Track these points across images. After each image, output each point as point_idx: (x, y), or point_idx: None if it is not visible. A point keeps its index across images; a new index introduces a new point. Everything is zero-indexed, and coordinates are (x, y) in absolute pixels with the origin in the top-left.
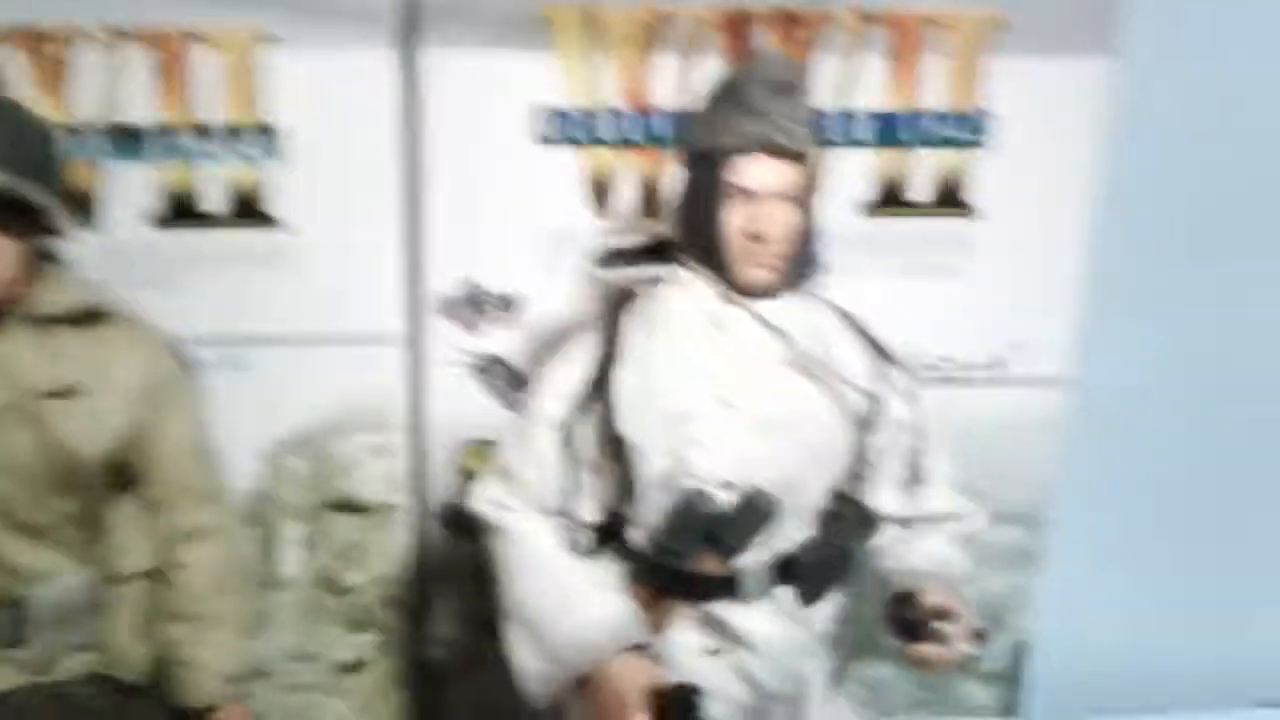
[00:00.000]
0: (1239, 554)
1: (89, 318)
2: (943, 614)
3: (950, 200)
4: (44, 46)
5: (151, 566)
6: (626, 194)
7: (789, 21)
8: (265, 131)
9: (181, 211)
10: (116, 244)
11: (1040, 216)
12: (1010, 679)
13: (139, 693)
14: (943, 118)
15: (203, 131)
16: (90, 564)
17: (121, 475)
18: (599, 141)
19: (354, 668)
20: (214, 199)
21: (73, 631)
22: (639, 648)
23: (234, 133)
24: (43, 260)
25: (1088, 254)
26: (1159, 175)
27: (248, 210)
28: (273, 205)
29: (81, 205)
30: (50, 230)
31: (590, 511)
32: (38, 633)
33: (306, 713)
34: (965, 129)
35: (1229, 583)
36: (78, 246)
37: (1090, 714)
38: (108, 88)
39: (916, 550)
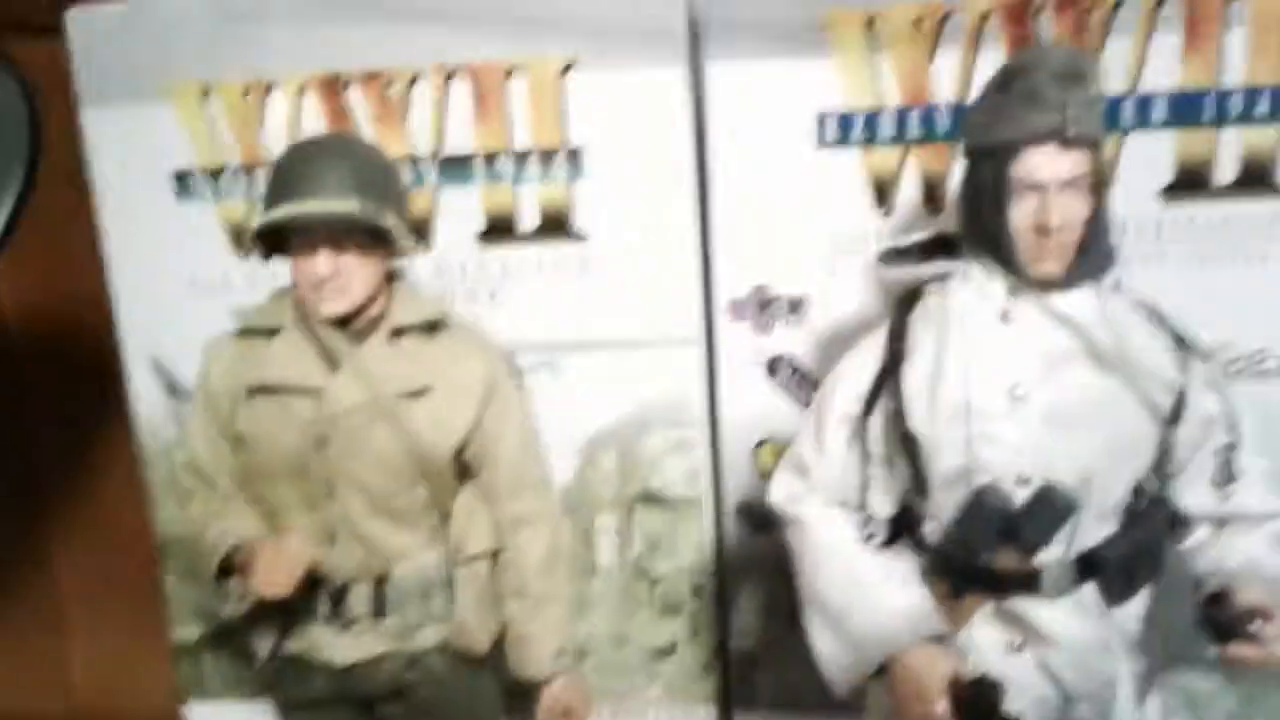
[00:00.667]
0: None
1: (434, 327)
2: (1259, 614)
3: (1258, 181)
4: (386, 89)
5: (492, 548)
6: (910, 192)
7: (1073, 6)
8: (572, 153)
9: (501, 230)
10: (448, 261)
11: None
12: None
13: (483, 664)
14: (1247, 93)
15: (518, 156)
16: (441, 545)
17: (464, 467)
18: (881, 142)
19: (666, 652)
20: (528, 217)
21: (428, 606)
22: (939, 639)
23: (545, 156)
24: (392, 278)
25: None
26: None
27: (557, 226)
28: (578, 220)
29: (419, 228)
30: (398, 252)
31: (884, 506)
32: (399, 606)
33: (625, 691)
34: (1273, 104)
35: None
36: (417, 265)
37: None
38: (438, 122)
39: (1231, 549)
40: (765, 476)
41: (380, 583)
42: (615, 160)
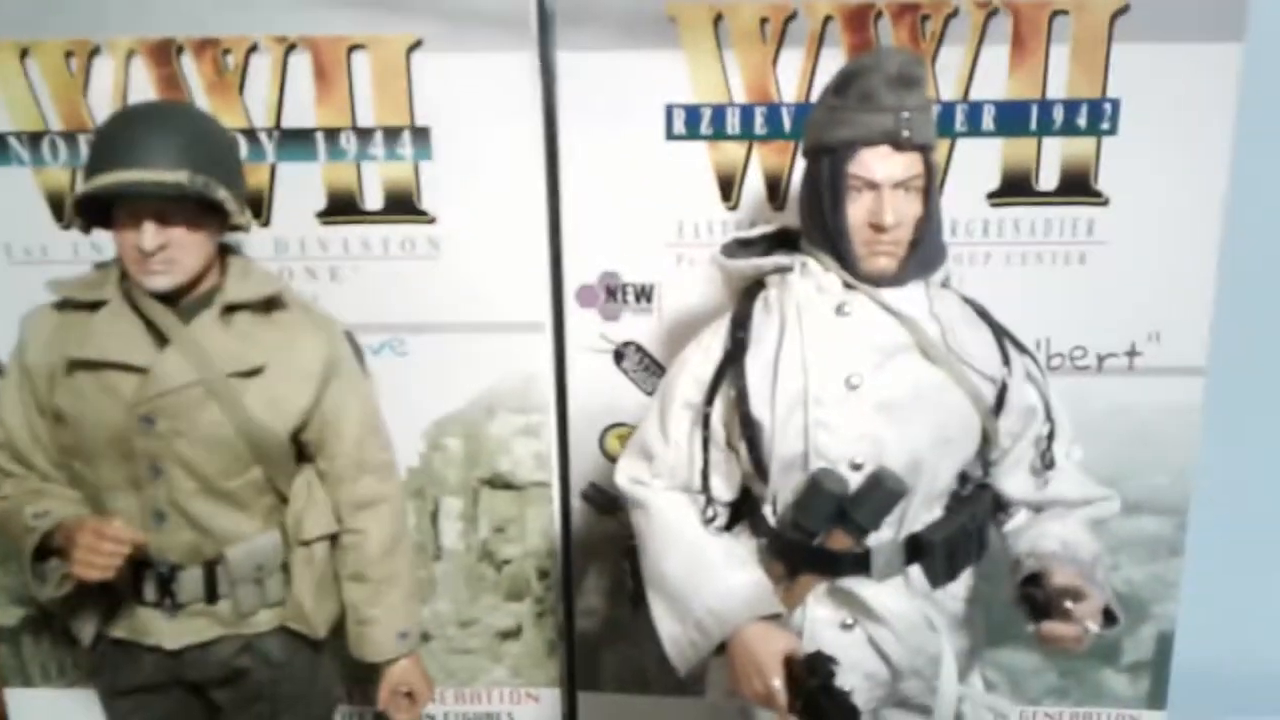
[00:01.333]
0: None
1: (271, 305)
2: (1072, 593)
3: (1078, 188)
4: (222, 57)
5: (331, 531)
6: (754, 186)
7: (910, 14)
8: (418, 132)
9: (343, 207)
10: (286, 238)
11: (1171, 206)
12: (1154, 671)
13: (320, 647)
14: (1068, 105)
15: (361, 133)
16: (277, 528)
17: (302, 448)
18: (727, 136)
19: (512, 635)
20: (372, 196)
21: (262, 590)
22: (775, 618)
23: (390, 134)
24: (226, 253)
25: (1220, 242)
26: None
27: (403, 206)
28: (425, 201)
29: (255, 203)
30: (233, 227)
31: (725, 490)
32: (233, 589)
33: (469, 674)
34: (1092, 116)
35: None
36: (255, 241)
37: (1233, 713)
38: (277, 94)
39: (1047, 532)
40: (612, 461)
41: (212, 566)
42: (464, 142)
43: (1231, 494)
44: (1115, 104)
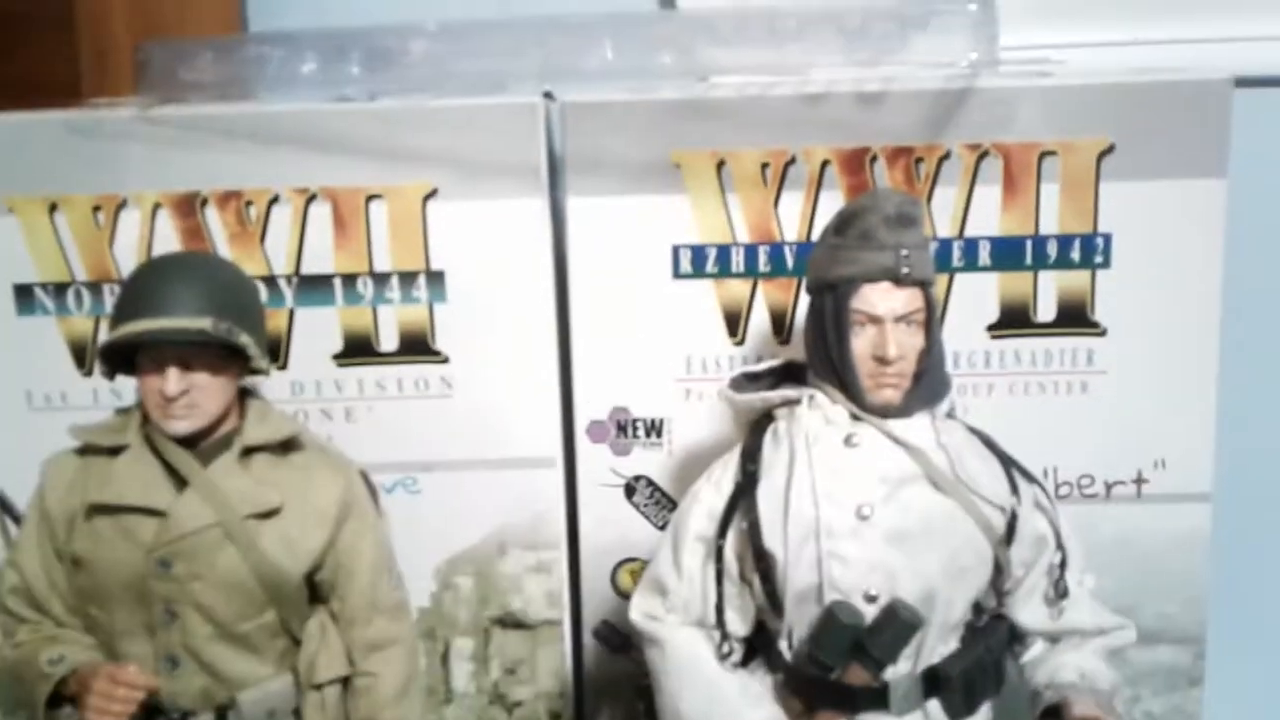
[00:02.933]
0: None
1: (288, 446)
2: None
3: (1076, 319)
4: (245, 208)
5: (343, 674)
6: (760, 322)
7: (904, 157)
8: (433, 276)
9: (359, 349)
10: (303, 380)
11: (1167, 334)
12: None
13: None
14: (1061, 240)
15: (378, 278)
16: (289, 672)
17: (315, 589)
18: (732, 274)
19: None
20: (387, 338)
21: None
22: None
23: (405, 278)
24: (245, 396)
25: (1218, 368)
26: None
27: (417, 347)
28: (438, 342)
29: (273, 346)
30: (254, 371)
31: (740, 624)
32: None
33: None
34: (1084, 250)
35: None
36: (272, 383)
37: None
38: (297, 243)
39: (1065, 664)
40: (624, 597)
41: (224, 711)
42: (476, 285)
43: (1246, 620)
44: (1107, 238)
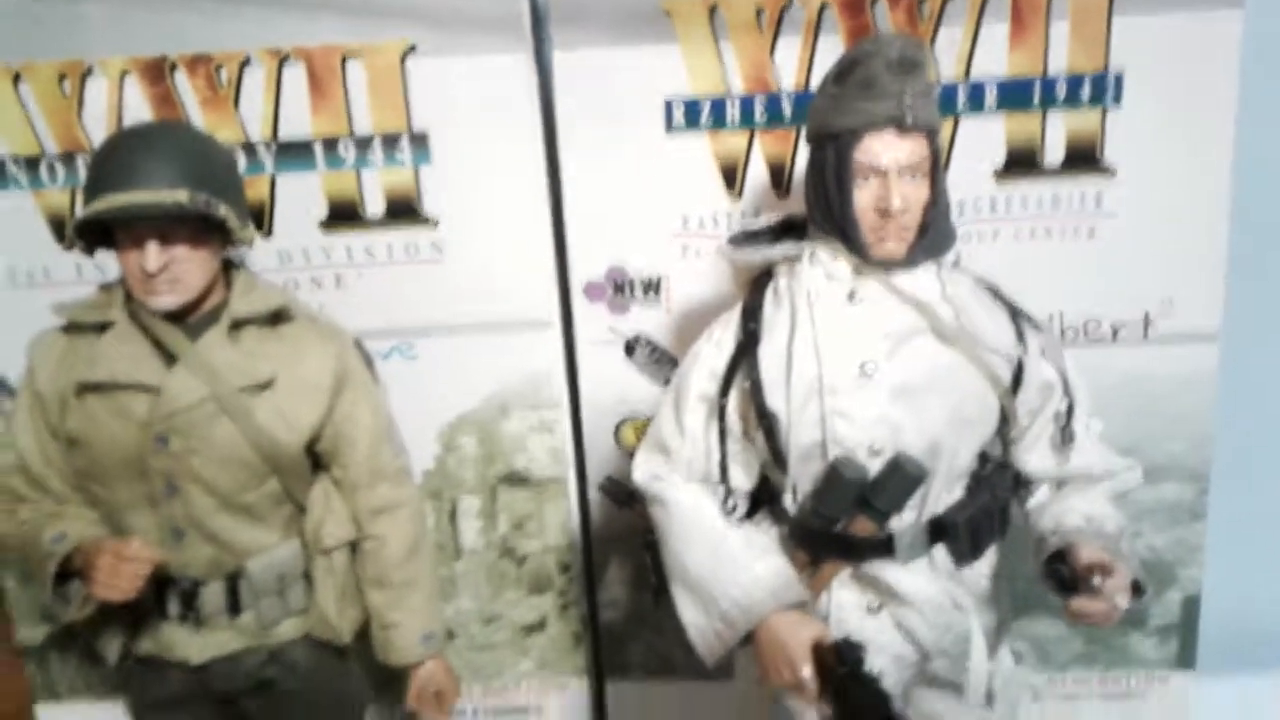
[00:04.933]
0: None
1: (277, 318)
2: (1099, 569)
3: (1084, 161)
4: (215, 72)
5: (350, 538)
6: (758, 176)
7: None
8: (416, 137)
9: (345, 216)
10: (289, 249)
11: (1179, 174)
12: (1182, 632)
13: (346, 653)
14: (1071, 79)
15: (360, 142)
16: (297, 537)
17: (317, 458)
18: (728, 127)
19: (536, 628)
20: (373, 203)
21: (285, 600)
22: (800, 605)
23: (388, 141)
24: (230, 268)
25: (1229, 207)
26: None
27: (404, 211)
28: (427, 205)
29: (256, 215)
30: (235, 241)
31: (744, 480)
32: (255, 601)
33: (496, 668)
34: (1093, 89)
35: None
36: (257, 253)
37: (1263, 667)
38: (273, 107)
39: (1071, 508)
40: (628, 453)
41: (234, 579)
42: (463, 145)
43: (1250, 455)
44: (1119, 77)
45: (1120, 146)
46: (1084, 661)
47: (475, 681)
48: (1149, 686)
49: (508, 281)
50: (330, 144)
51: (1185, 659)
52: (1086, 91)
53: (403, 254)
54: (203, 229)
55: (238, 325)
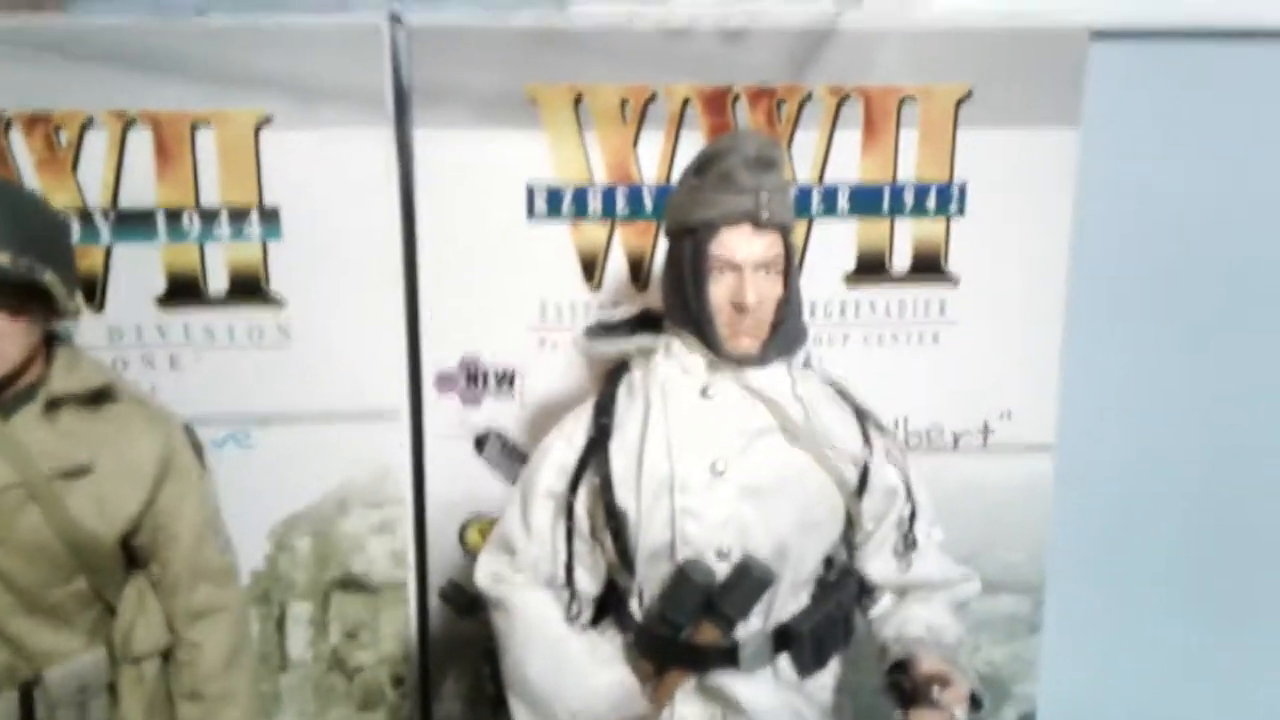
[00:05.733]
0: (1236, 613)
1: (100, 398)
2: (938, 680)
3: (930, 269)
4: (54, 132)
5: (163, 646)
6: (617, 268)
7: (766, 98)
8: (266, 212)
9: (184, 292)
10: (122, 325)
11: (1016, 286)
12: None
13: None
14: (918, 188)
15: (206, 214)
16: (103, 644)
17: (133, 555)
18: (589, 217)
19: None
20: (216, 279)
21: (87, 713)
22: (642, 719)
23: (236, 214)
24: (53, 342)
25: (1064, 321)
26: (1126, 241)
27: (249, 290)
28: (274, 285)
29: (88, 287)
30: (60, 313)
31: (590, 584)
32: (51, 715)
33: None
34: (939, 198)
35: (1230, 642)
36: (85, 328)
37: None
38: (114, 173)
39: (913, 617)
40: (473, 556)
41: (28, 689)
42: (316, 223)
43: (1084, 567)
44: (963, 187)
45: (963, 256)
46: None
47: None
48: None
49: (356, 369)
50: (174, 215)
51: None
52: (933, 200)
53: (245, 336)
54: (25, 297)
55: (55, 404)
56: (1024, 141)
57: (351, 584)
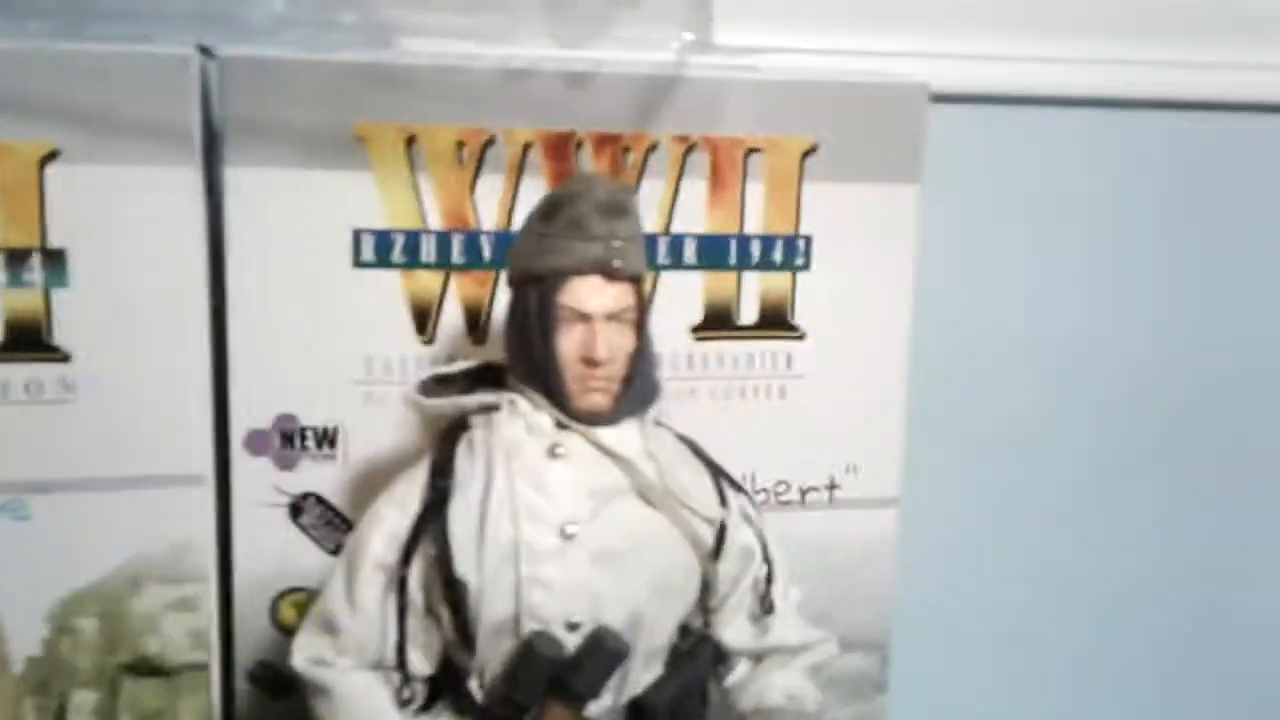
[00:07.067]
0: (1084, 670)
1: None
2: None
3: (777, 322)
4: None
5: None
6: (452, 319)
7: (611, 144)
8: (50, 255)
9: None
10: None
11: (860, 340)
12: None
13: None
14: (764, 240)
15: None
16: None
17: None
18: (421, 265)
19: None
20: None
21: None
22: None
23: (15, 256)
24: None
25: (906, 374)
26: (968, 296)
27: (29, 341)
28: (58, 335)
29: None
30: None
31: (423, 664)
32: None
33: None
34: (785, 251)
35: (1074, 700)
36: None
37: None
38: None
39: (771, 685)
40: (286, 633)
41: None
42: (110, 267)
43: (929, 624)
44: (808, 240)
45: (809, 309)
46: None
47: None
48: None
49: (153, 429)
50: None
51: None
52: (779, 253)
53: (22, 391)
54: None
55: None
56: (867, 196)
57: (144, 668)
